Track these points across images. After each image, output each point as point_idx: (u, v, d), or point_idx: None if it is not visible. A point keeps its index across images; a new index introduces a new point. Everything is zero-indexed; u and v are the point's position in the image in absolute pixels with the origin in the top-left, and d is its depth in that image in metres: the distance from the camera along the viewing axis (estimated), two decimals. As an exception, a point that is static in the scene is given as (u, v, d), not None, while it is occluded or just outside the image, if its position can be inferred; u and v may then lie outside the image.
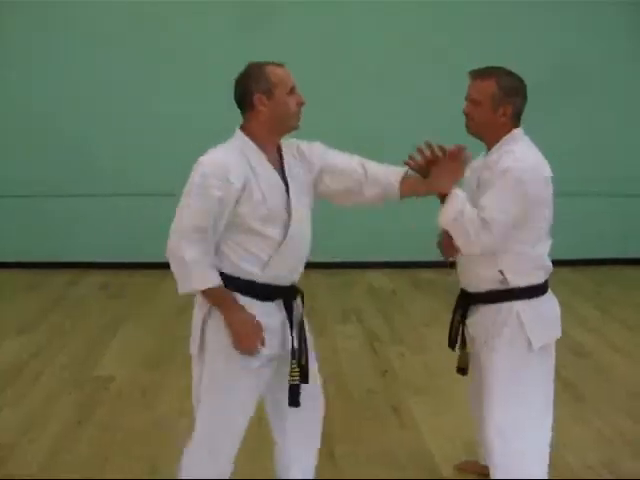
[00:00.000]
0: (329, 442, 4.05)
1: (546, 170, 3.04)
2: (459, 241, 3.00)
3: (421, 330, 6.05)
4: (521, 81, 3.10)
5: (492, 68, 3.13)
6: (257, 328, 2.86)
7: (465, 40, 7.77)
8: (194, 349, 3.01)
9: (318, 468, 3.50)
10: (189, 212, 2.87)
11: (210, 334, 2.95)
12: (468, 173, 3.21)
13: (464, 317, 3.29)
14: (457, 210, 2.96)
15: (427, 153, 2.99)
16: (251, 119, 2.96)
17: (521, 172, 2.94)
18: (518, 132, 3.11)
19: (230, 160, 2.85)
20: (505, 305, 3.09)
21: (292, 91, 2.96)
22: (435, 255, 3.42)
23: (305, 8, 7.66)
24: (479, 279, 3.15)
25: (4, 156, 7.88)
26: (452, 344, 3.43)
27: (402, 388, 4.88)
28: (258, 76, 2.95)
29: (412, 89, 7.78)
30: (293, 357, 3.00)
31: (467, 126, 3.14)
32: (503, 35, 7.77)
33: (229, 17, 7.62)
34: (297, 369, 3.01)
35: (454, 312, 3.40)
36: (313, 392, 3.20)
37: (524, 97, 3.10)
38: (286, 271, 3.00)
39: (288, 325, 3.03)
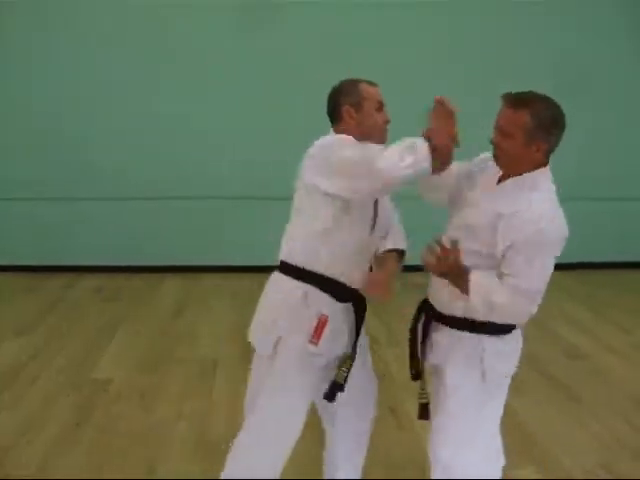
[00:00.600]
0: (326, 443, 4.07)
1: (566, 230, 2.76)
2: (508, 321, 2.90)
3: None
4: (559, 110, 2.73)
5: (528, 95, 2.75)
6: None
7: (465, 40, 7.81)
8: (267, 349, 3.03)
9: (315, 469, 3.53)
10: None
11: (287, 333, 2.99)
12: (454, 180, 3.02)
13: (425, 334, 3.09)
14: (487, 302, 2.74)
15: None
16: (339, 132, 3.05)
17: (556, 235, 2.73)
18: (545, 173, 2.81)
19: None
20: (474, 336, 2.91)
21: (380, 108, 3.06)
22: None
23: (305, 8, 7.65)
24: (456, 305, 2.92)
25: (2, 158, 7.87)
26: (418, 374, 3.18)
27: (399, 390, 4.88)
28: (349, 90, 3.07)
29: (412, 89, 7.76)
30: (353, 359, 3.06)
31: (495, 156, 2.82)
32: (503, 35, 7.80)
33: (229, 17, 7.61)
34: (347, 370, 3.05)
35: (415, 325, 3.18)
36: (368, 391, 3.32)
37: (562, 129, 2.74)
38: (361, 272, 3.05)
39: (354, 329, 3.08)
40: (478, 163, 3.02)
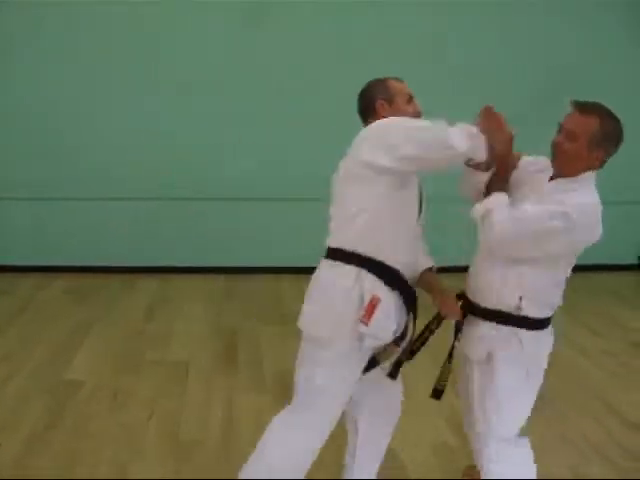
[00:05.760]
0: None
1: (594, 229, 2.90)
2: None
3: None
4: (621, 126, 2.91)
5: (597, 105, 2.93)
6: None
7: (465, 41, 7.92)
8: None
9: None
10: None
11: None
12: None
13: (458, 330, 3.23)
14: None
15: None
16: None
17: (581, 222, 2.85)
18: (592, 177, 2.98)
19: None
20: (509, 329, 3.08)
21: (410, 100, 3.24)
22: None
23: (305, 8, 7.68)
24: (497, 297, 3.09)
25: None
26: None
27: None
28: (379, 87, 3.28)
29: (412, 88, 7.84)
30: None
31: (554, 157, 2.97)
32: (503, 36, 7.93)
33: (229, 17, 7.62)
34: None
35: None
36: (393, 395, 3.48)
37: (620, 144, 2.93)
38: (411, 261, 3.19)
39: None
40: (526, 165, 3.17)
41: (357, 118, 8.04)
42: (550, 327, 3.23)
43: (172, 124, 7.72)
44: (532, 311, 3.08)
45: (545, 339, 3.22)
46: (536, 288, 3.05)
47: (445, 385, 3.29)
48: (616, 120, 2.90)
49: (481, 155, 2.85)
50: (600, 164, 2.95)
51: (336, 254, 3.05)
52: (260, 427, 4.29)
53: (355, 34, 7.79)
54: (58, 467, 3.90)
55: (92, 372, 5.21)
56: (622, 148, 2.94)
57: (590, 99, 2.98)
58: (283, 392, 4.86)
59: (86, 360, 5.47)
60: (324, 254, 3.12)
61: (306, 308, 3.18)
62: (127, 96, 7.69)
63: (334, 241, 3.08)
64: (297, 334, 5.49)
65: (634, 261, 8.80)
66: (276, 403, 4.67)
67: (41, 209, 7.90)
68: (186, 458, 4.00)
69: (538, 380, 3.22)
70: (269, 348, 5.76)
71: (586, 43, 7.98)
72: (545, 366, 3.22)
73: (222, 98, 7.71)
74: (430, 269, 3.30)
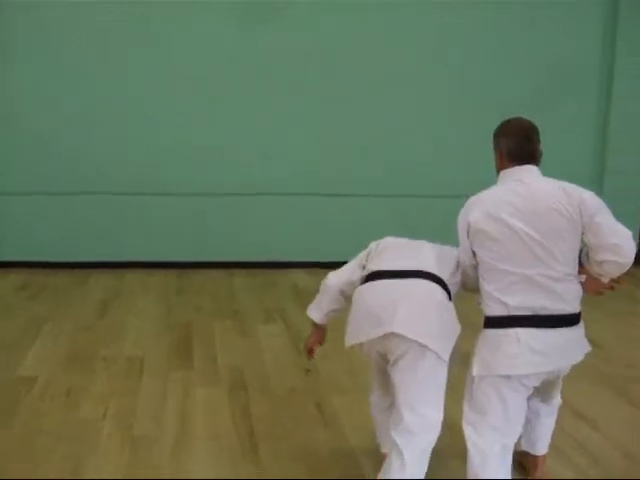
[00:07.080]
0: (252, 439, 4.12)
1: (472, 214, 3.15)
2: None
3: (344, 330, 6.12)
4: (508, 121, 3.29)
5: None
6: None
7: (464, 40, 8.01)
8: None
9: (240, 466, 3.56)
10: None
11: None
12: None
13: None
14: None
15: None
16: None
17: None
18: (502, 173, 3.26)
19: None
20: None
21: None
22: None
23: (305, 9, 7.73)
24: None
25: None
26: None
27: (325, 386, 4.95)
28: None
29: (412, 88, 7.91)
30: None
31: None
32: (503, 36, 8.05)
33: (229, 17, 7.64)
34: None
35: None
36: None
37: (508, 135, 3.24)
38: None
39: None
40: None
41: (353, 117, 8.09)
42: None
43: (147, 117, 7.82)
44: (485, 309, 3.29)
45: None
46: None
47: None
48: (506, 121, 3.30)
49: None
50: (503, 158, 3.23)
51: None
52: (215, 421, 4.34)
53: (356, 34, 7.85)
54: (10, 465, 3.87)
55: (45, 368, 5.17)
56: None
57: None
58: (238, 386, 4.90)
59: (39, 356, 5.43)
60: None
61: None
62: (122, 94, 7.76)
63: None
64: (249, 329, 5.50)
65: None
66: (231, 397, 4.71)
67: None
68: (141, 454, 4.00)
69: None
70: (223, 342, 5.77)
71: (586, 43, 8.14)
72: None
73: (219, 97, 7.74)
74: None
